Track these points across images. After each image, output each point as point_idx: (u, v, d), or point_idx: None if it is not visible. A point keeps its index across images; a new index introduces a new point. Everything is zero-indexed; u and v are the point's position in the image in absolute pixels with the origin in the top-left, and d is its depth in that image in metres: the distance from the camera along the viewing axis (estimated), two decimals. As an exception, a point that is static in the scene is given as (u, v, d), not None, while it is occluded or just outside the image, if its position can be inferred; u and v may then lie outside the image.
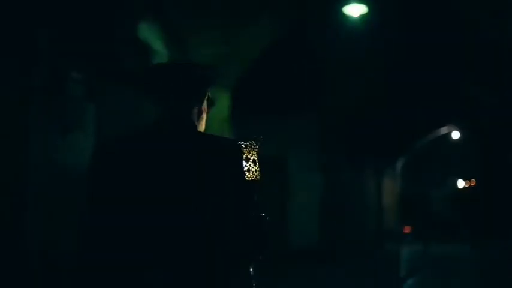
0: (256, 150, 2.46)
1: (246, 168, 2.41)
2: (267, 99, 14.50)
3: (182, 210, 2.10)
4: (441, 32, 13.63)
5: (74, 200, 6.35)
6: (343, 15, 9.91)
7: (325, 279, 12.78)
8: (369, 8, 9.70)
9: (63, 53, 6.86)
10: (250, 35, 9.88)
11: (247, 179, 2.40)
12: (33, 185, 6.30)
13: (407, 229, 27.63)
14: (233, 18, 9.33)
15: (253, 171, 2.44)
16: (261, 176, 2.46)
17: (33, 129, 6.36)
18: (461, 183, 35.08)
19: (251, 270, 2.30)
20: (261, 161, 2.45)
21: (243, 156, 2.37)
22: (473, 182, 32.77)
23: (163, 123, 2.23)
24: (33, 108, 6.36)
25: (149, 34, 8.50)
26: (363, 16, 9.73)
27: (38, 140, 6.40)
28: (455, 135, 27.86)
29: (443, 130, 27.56)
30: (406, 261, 17.50)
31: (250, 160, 2.44)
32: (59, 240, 6.41)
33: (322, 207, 16.10)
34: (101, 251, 2.11)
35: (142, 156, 2.15)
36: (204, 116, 2.38)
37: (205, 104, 2.37)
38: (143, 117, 7.48)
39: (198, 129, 2.31)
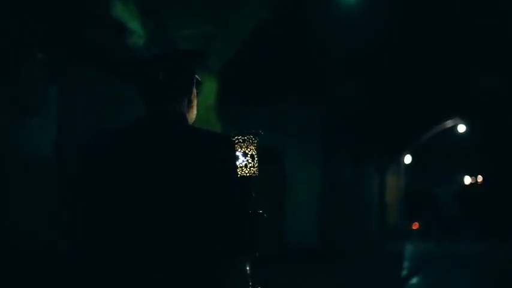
0: (255, 145, 2.40)
1: (243, 164, 2.38)
2: (263, 88, 14.05)
3: (174, 209, 2.09)
4: (446, 19, 13.26)
5: (31, 187, 6.20)
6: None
7: (325, 278, 12.48)
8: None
9: (22, 30, 6.29)
10: (237, 14, 9.30)
11: (244, 174, 2.37)
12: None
13: (415, 226, 27.66)
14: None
15: (250, 167, 2.38)
16: (259, 171, 2.40)
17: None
18: (467, 180, 34.98)
19: (247, 268, 2.28)
20: (260, 156, 2.40)
21: (235, 152, 2.30)
22: (479, 179, 32.62)
23: (153, 119, 2.20)
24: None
25: (123, 11, 7.92)
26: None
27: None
28: (461, 128, 27.63)
29: (449, 123, 27.28)
30: (408, 259, 17.24)
31: (248, 155, 2.39)
32: (16, 231, 6.18)
33: (321, 203, 15.75)
34: (91, 252, 2.12)
35: (132, 156, 2.13)
36: (195, 103, 2.34)
37: (194, 91, 2.31)
38: (111, 101, 7.02)
39: (189, 120, 2.29)
